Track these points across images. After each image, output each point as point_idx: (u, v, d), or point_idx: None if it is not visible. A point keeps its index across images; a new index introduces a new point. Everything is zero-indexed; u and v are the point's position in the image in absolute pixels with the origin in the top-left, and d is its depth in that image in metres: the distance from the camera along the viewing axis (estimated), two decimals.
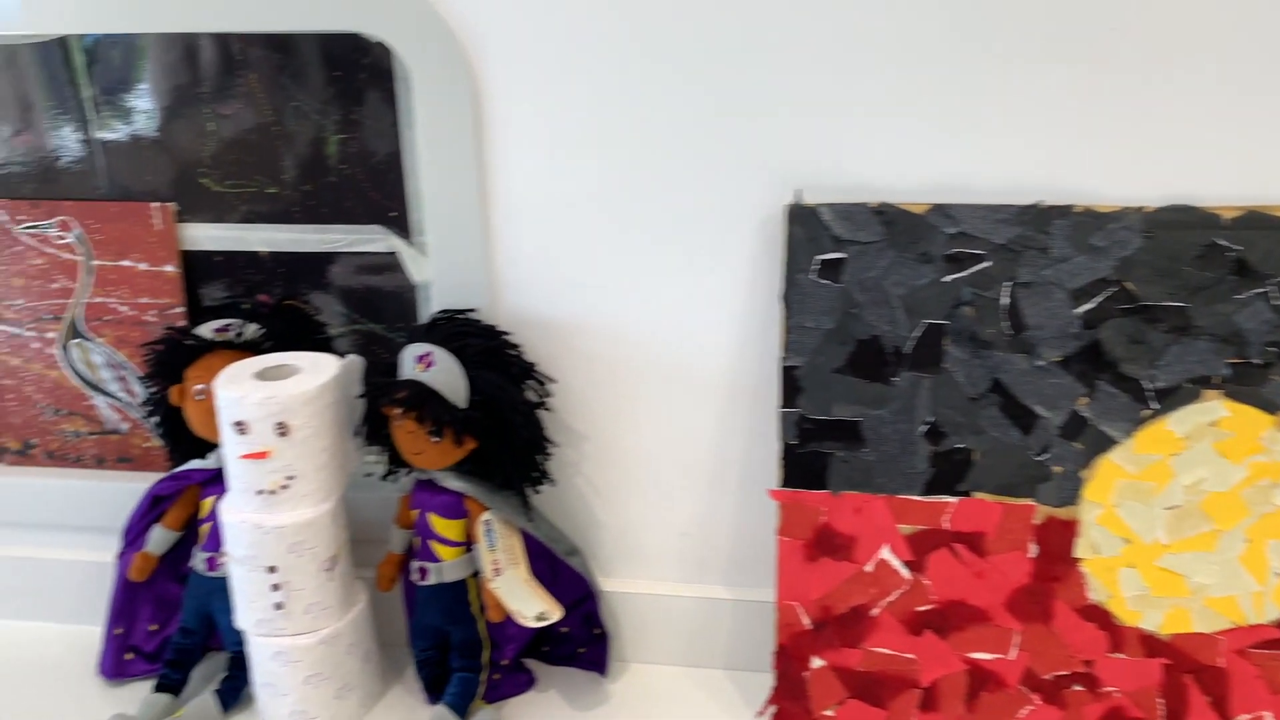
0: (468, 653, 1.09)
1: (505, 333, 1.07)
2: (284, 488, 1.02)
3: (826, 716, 1.06)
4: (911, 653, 1.04)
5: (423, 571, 1.10)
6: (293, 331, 1.17)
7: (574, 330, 1.10)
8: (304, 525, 1.03)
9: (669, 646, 1.17)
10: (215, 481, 1.14)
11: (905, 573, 1.03)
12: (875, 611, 1.04)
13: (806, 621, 1.05)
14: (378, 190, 1.13)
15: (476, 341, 1.04)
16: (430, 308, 1.17)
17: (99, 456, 1.25)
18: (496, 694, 1.12)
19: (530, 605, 1.05)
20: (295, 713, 1.07)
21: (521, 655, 1.16)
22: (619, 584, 1.15)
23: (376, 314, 1.19)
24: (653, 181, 1.04)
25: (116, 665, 1.17)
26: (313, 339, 1.19)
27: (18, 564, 1.26)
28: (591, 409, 1.11)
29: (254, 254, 1.18)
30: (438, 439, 1.03)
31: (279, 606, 1.04)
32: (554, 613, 1.04)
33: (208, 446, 1.15)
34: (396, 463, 1.13)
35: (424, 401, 1.02)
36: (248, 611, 1.05)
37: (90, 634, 1.24)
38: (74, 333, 1.22)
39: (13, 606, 1.27)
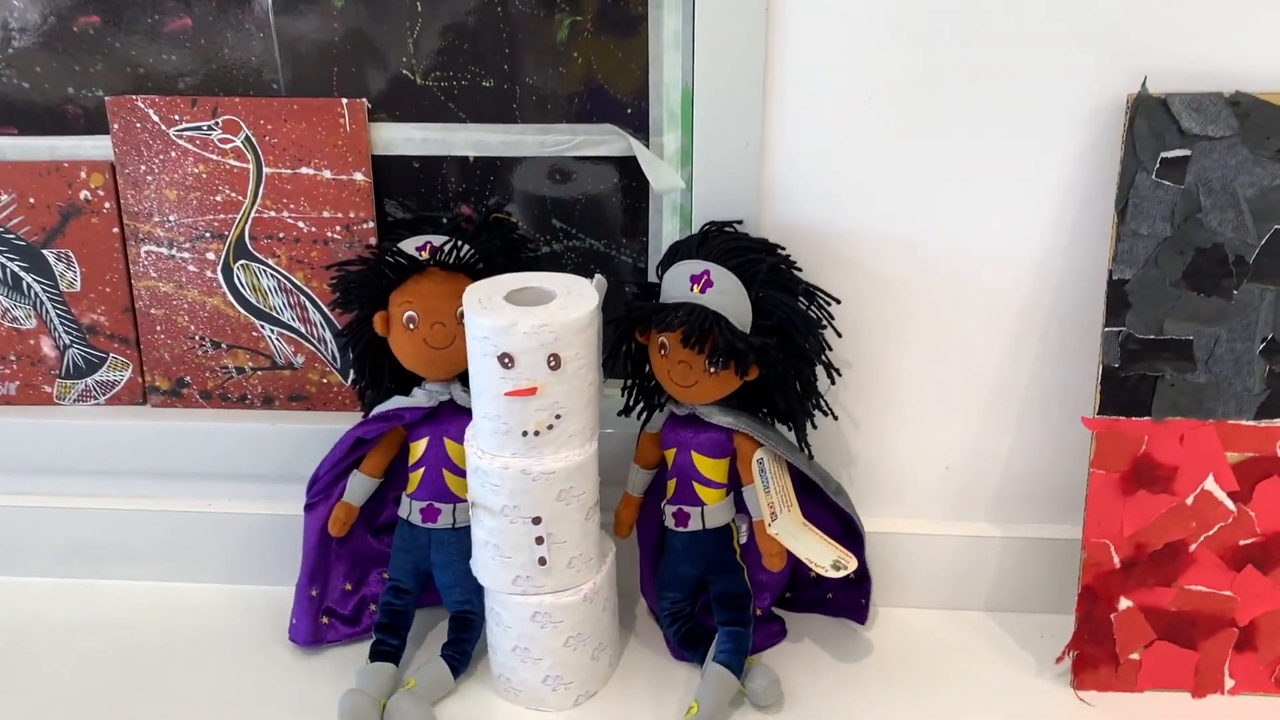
0: (733, 604, 0.98)
1: (782, 247, 0.94)
2: (550, 428, 0.89)
3: (1132, 660, 0.98)
4: (1230, 589, 0.96)
5: (681, 516, 0.98)
6: (505, 250, 1.02)
7: (846, 243, 0.97)
8: (573, 469, 0.90)
9: (926, 589, 1.07)
10: (427, 422, 1.00)
11: (1229, 504, 0.94)
12: (1193, 547, 0.95)
13: (1117, 560, 0.96)
14: (615, 82, 0.98)
15: (760, 257, 0.91)
16: (663, 222, 1.03)
17: (267, 395, 1.10)
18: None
19: (822, 553, 0.94)
20: (550, 678, 0.95)
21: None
22: (872, 523, 1.05)
23: (597, 228, 1.05)
24: (963, 71, 0.91)
25: (313, 630, 1.03)
26: (520, 259, 1.04)
27: (172, 520, 1.11)
28: (854, 331, 0.99)
29: (459, 160, 1.02)
30: (718, 369, 0.90)
31: (542, 562, 0.91)
32: (849, 561, 0.94)
33: (410, 382, 1.01)
34: (646, 396, 1.00)
35: (709, 327, 0.89)
36: (503, 568, 0.92)
37: (261, 595, 1.10)
38: (239, 253, 1.05)
39: (170, 567, 1.12)
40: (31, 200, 1.04)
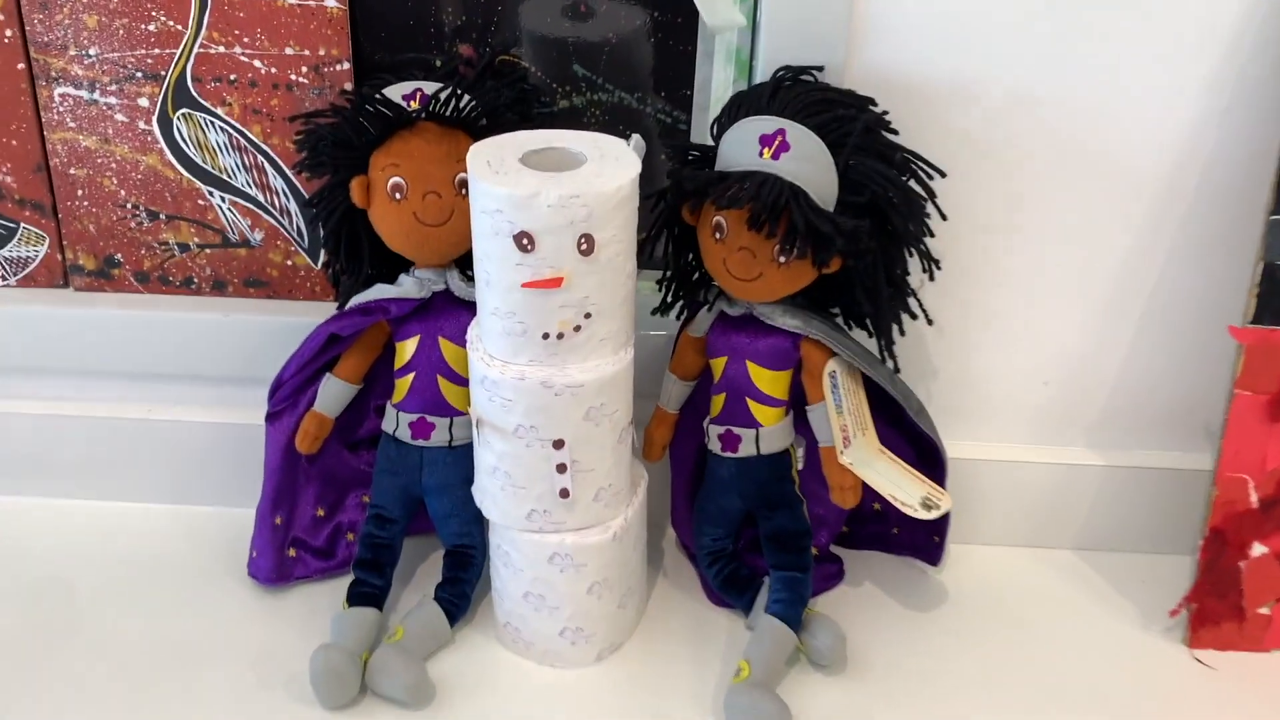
0: (790, 544, 0.81)
1: (874, 103, 0.75)
2: (577, 329, 0.70)
3: (1261, 615, 0.82)
4: None
5: (729, 439, 0.80)
6: (515, 102, 0.82)
7: (951, 102, 0.78)
8: (606, 383, 0.71)
9: (1010, 523, 0.91)
10: (417, 317, 0.81)
11: None
12: None
13: (1255, 499, 0.80)
14: None
15: (851, 114, 0.72)
16: (713, 70, 0.83)
17: (218, 279, 0.90)
18: None
19: (909, 487, 0.76)
20: (569, 630, 0.78)
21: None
22: (951, 447, 0.87)
23: (628, 77, 0.84)
24: None
25: (278, 565, 0.85)
26: (532, 114, 0.84)
27: (103, 428, 0.91)
28: (951, 212, 0.80)
29: None
30: (789, 259, 0.72)
31: (565, 494, 0.73)
32: (942, 499, 0.77)
33: (396, 267, 0.82)
34: (690, 290, 0.81)
35: (785, 203, 0.69)
36: (515, 501, 0.74)
37: (213, 519, 0.92)
38: (180, 99, 0.84)
39: (100, 484, 0.93)
40: None
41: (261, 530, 0.85)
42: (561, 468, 0.73)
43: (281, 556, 0.86)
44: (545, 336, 0.70)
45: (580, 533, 0.75)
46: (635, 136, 0.74)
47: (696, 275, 0.81)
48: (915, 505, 0.75)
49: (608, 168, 0.69)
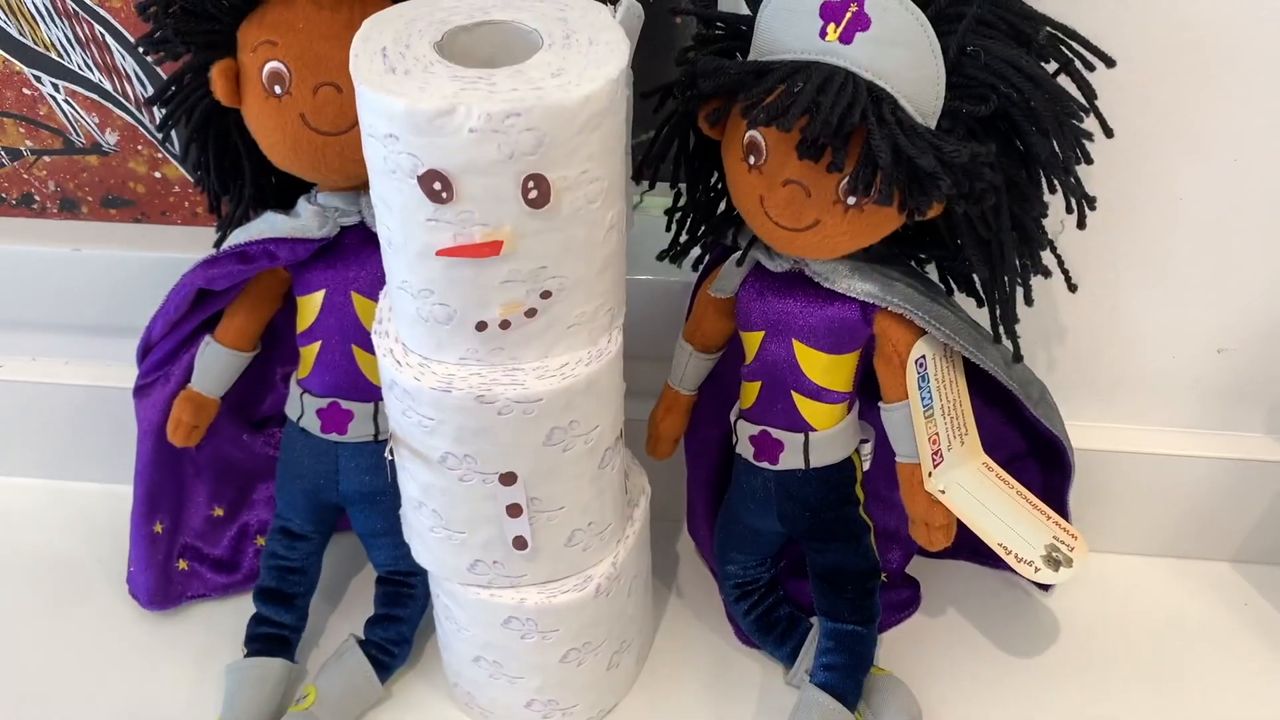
0: (847, 588, 0.57)
1: None
2: (531, 314, 0.45)
3: None
4: None
5: (766, 445, 0.56)
6: None
7: None
8: (578, 392, 0.47)
9: (1153, 530, 0.67)
10: (322, 261, 0.56)
11: None
12: None
13: None
14: None
15: None
16: None
17: (67, 197, 0.65)
18: None
19: (1027, 534, 0.52)
20: (537, 702, 0.56)
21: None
22: (1081, 434, 0.62)
23: None
24: None
25: (161, 583, 0.64)
26: None
27: None
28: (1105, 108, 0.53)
29: None
30: (866, 200, 0.46)
31: (521, 544, 0.50)
32: (1075, 549, 0.52)
33: (294, 189, 0.57)
34: (713, 229, 0.56)
35: (859, 118, 0.43)
36: (453, 549, 0.51)
37: (92, 498, 0.71)
38: None
39: None
40: None
41: (137, 540, 0.64)
42: (514, 510, 0.49)
43: (167, 572, 0.65)
44: (482, 326, 0.45)
45: (546, 588, 0.53)
46: (626, 1, 0.47)
47: (722, 208, 0.55)
48: (1035, 561, 0.51)
49: (574, 59, 0.43)
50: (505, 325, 0.45)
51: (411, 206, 0.42)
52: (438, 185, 0.41)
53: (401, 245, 0.44)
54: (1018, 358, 0.53)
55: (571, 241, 0.44)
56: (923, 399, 0.52)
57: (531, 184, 0.41)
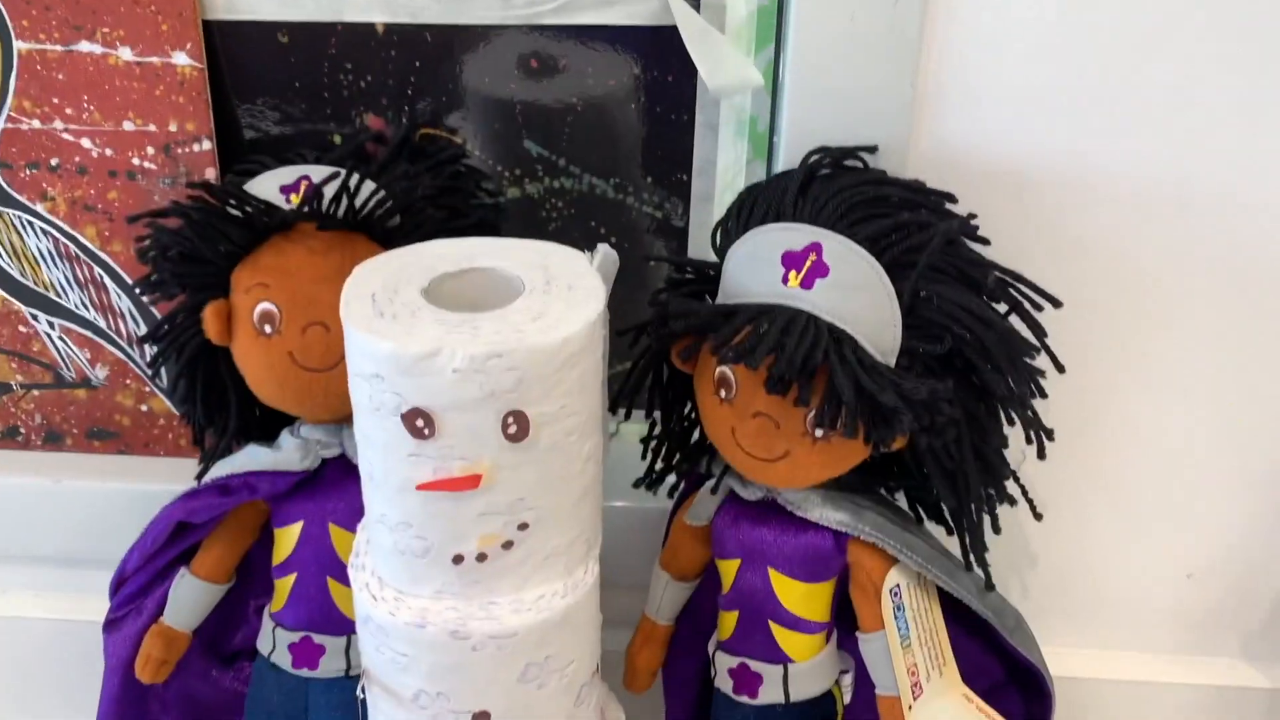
0: None
1: (954, 198, 0.51)
2: (508, 545, 0.46)
3: None
4: None
5: (745, 678, 0.55)
6: (440, 194, 0.58)
7: (1061, 193, 0.54)
8: (554, 625, 0.47)
9: None
10: (302, 493, 0.57)
11: None
12: None
13: None
14: None
15: (922, 219, 0.48)
16: (719, 148, 0.59)
17: (52, 430, 0.66)
18: None
19: None
20: None
21: None
22: (1057, 661, 0.62)
23: (601, 157, 0.61)
24: None
25: None
26: (467, 210, 0.60)
27: None
28: (1060, 350, 0.56)
29: (360, 31, 0.58)
30: (832, 434, 0.47)
31: None
32: None
33: (275, 421, 0.58)
34: (687, 456, 0.57)
35: (821, 357, 0.45)
36: None
37: None
38: None
39: None
40: None
41: None
42: None
43: None
44: (459, 559, 0.46)
45: None
46: (603, 249, 0.50)
47: (696, 437, 0.57)
48: None
49: (553, 304, 0.45)
50: (482, 558, 0.46)
51: (394, 442, 0.44)
52: (420, 422, 0.43)
53: (382, 479, 0.45)
54: (989, 586, 0.54)
55: (549, 473, 0.45)
56: (899, 629, 0.52)
57: (511, 419, 0.43)
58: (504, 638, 0.46)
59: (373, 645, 0.48)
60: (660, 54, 0.57)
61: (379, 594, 0.47)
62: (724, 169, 0.59)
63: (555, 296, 0.46)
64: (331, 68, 0.59)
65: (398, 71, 0.59)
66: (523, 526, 0.46)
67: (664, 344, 0.52)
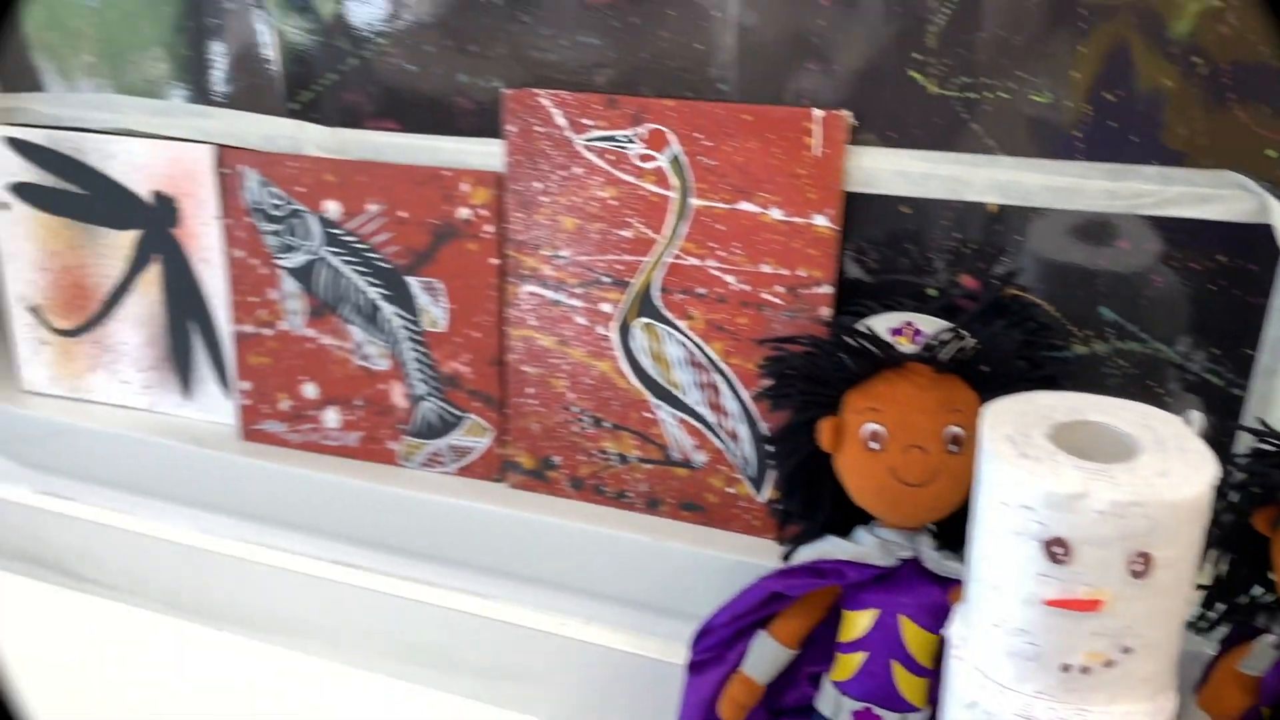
0: None
1: None
2: (1109, 664, 0.54)
3: None
4: None
5: None
6: (1022, 347, 0.68)
7: None
8: None
9: None
10: (877, 585, 0.68)
11: None
12: None
13: None
14: (1247, 102, 0.62)
15: None
16: None
17: (653, 496, 0.82)
18: None
19: None
20: None
21: None
22: None
23: (1167, 325, 0.69)
24: None
25: None
26: (1040, 360, 0.70)
27: (509, 635, 0.86)
28: None
29: (973, 208, 0.70)
30: None
31: None
32: None
33: (851, 517, 0.70)
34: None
35: None
36: None
37: None
38: (643, 308, 0.78)
39: (495, 690, 0.87)
40: (403, 214, 0.83)
41: None
42: None
43: None
44: (1065, 669, 0.54)
45: None
46: (1195, 414, 0.58)
47: (1256, 596, 0.62)
48: None
49: (1173, 463, 0.53)
50: (1085, 670, 0.54)
51: (1028, 562, 0.53)
52: (1059, 549, 0.52)
53: (1009, 591, 0.55)
54: None
55: (1158, 608, 0.53)
56: None
57: (1139, 559, 0.51)
58: None
59: None
60: (1247, 246, 0.65)
61: (985, 683, 0.57)
62: None
63: (1171, 456, 0.54)
64: (940, 235, 0.71)
65: (999, 242, 0.70)
66: (1126, 650, 0.54)
67: (1248, 505, 0.58)
